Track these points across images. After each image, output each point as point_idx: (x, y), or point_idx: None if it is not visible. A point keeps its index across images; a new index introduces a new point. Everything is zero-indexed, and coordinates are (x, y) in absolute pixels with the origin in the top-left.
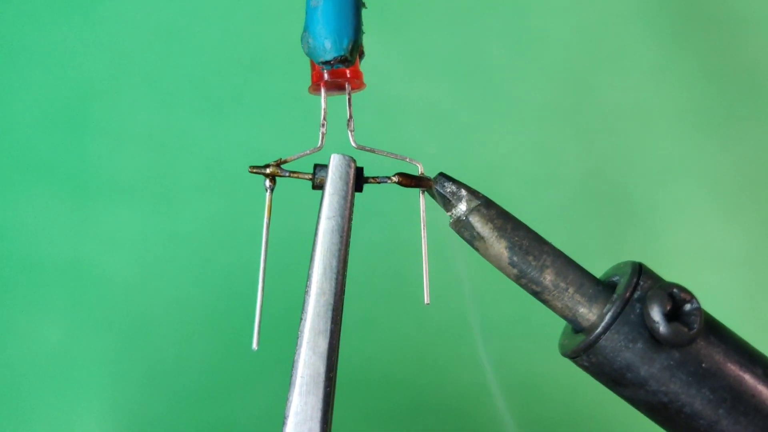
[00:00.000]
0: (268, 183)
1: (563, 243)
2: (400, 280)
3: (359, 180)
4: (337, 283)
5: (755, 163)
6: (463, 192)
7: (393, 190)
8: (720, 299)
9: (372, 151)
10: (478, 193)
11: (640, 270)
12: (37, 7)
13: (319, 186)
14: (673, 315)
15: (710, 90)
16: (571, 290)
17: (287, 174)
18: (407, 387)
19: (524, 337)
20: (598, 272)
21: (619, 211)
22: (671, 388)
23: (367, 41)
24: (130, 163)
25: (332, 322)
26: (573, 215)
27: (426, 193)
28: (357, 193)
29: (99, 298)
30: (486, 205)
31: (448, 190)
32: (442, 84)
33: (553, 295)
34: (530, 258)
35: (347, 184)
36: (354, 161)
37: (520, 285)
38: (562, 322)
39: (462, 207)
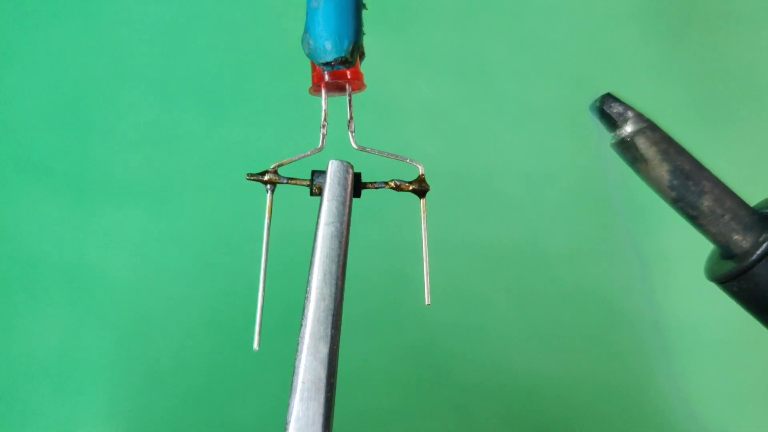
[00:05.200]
0: (268, 184)
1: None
2: (399, 283)
3: (357, 185)
4: (336, 288)
5: (755, 163)
6: (630, 113)
7: (391, 193)
8: (721, 299)
9: (372, 152)
10: (644, 116)
11: None
12: (37, 7)
13: (317, 192)
14: None
15: (710, 90)
16: (726, 217)
17: (285, 181)
18: (407, 390)
19: (524, 337)
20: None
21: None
22: None
23: (367, 42)
24: (130, 163)
25: (332, 327)
26: (573, 215)
27: (425, 196)
28: (355, 198)
29: (99, 298)
30: (652, 128)
31: (615, 111)
32: (442, 84)
33: (709, 220)
34: (690, 183)
35: (345, 189)
36: (352, 167)
37: (676, 208)
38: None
39: (628, 128)
